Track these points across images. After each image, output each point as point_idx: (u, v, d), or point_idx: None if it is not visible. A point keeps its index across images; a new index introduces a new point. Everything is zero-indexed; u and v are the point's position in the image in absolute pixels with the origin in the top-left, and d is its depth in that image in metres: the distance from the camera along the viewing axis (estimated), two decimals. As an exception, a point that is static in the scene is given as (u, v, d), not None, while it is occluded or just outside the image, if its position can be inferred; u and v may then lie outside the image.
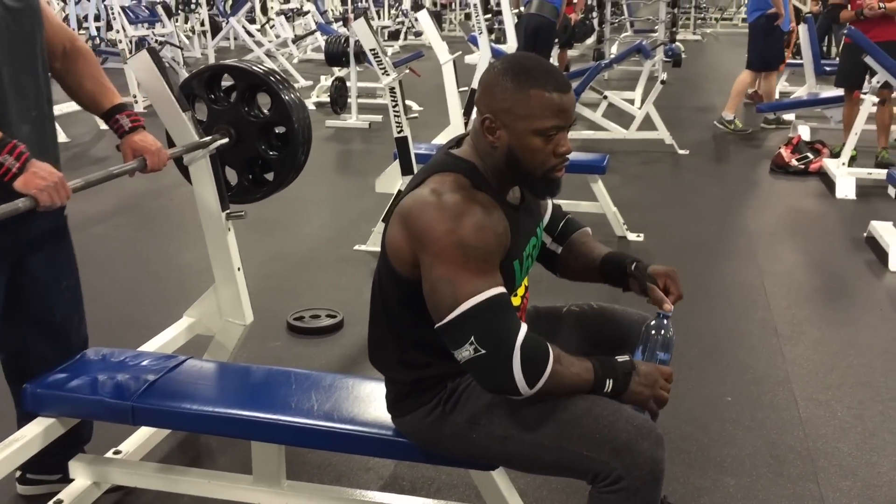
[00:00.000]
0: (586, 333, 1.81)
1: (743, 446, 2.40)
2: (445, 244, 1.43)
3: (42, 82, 1.90)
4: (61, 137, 6.76)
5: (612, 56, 9.38)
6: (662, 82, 6.18)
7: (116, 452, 2.13)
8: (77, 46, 2.05)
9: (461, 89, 5.39)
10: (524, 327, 1.45)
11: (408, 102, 8.03)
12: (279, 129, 2.42)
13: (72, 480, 2.02)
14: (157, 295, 3.63)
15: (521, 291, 1.69)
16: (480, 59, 6.20)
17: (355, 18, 6.20)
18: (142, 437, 2.19)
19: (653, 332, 1.64)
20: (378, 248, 4.21)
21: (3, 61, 1.77)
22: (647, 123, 6.47)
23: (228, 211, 2.36)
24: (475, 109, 1.58)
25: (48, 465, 2.09)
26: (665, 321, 1.65)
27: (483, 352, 1.42)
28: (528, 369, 1.42)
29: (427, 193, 1.48)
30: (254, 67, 2.40)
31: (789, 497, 2.19)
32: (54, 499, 1.95)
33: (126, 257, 4.20)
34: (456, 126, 5.23)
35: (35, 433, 1.85)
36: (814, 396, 2.71)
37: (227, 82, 2.40)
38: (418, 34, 15.63)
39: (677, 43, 9.51)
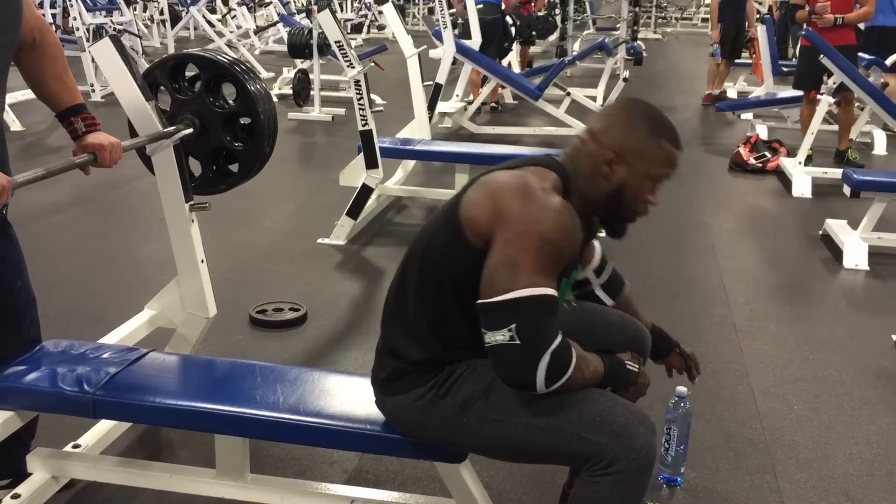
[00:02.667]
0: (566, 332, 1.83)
1: (703, 439, 2.44)
2: (529, 230, 1.45)
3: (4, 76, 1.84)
4: (15, 126, 6.62)
5: (575, 53, 9.46)
6: (625, 80, 6.25)
7: (76, 446, 2.10)
8: (47, 40, 1.96)
9: (426, 83, 5.39)
10: (561, 334, 1.47)
11: (372, 96, 8.01)
12: (244, 121, 2.40)
13: (29, 475, 1.99)
14: (116, 287, 3.57)
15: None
16: (444, 53, 6.21)
17: (319, 10, 6.17)
18: (101, 430, 2.16)
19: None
20: (341, 242, 4.19)
21: None
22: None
23: (192, 202, 2.33)
24: (589, 135, 1.61)
25: None
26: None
27: (518, 343, 1.43)
28: (552, 372, 1.45)
29: (526, 178, 1.51)
30: (219, 57, 2.37)
31: (748, 489, 2.23)
32: (11, 492, 1.91)
33: (84, 249, 4.13)
34: (420, 120, 5.23)
35: (-9, 427, 1.81)
36: (771, 390, 2.77)
37: (191, 72, 2.38)
38: (381, 27, 15.58)
39: (639, 41, 9.62)
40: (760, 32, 7.40)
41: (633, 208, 1.61)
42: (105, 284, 3.62)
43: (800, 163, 5.46)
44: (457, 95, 7.18)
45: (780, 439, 2.47)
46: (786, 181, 5.50)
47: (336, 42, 3.95)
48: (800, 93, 6.01)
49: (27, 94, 7.60)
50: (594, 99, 7.51)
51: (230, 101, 2.38)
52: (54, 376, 1.85)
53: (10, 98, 6.90)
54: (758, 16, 8.67)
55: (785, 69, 7.81)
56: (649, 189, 1.59)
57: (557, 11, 11.62)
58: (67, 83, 2.02)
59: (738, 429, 2.52)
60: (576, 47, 11.50)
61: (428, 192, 4.70)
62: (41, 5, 11.38)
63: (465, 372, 1.60)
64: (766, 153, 5.88)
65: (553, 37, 11.93)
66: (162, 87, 2.37)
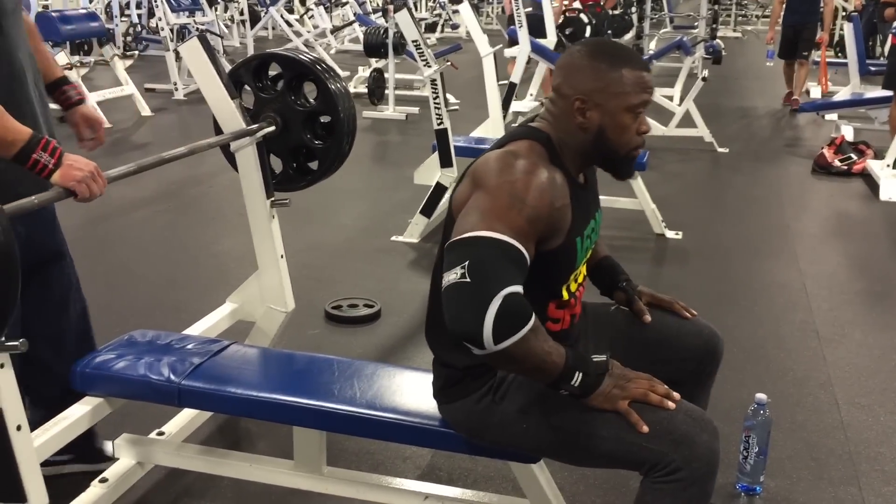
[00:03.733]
0: (629, 333, 1.80)
1: (783, 448, 2.37)
2: (500, 187, 1.43)
3: (35, 64, 1.90)
4: (105, 124, 6.87)
5: (652, 52, 9.31)
6: (703, 79, 6.11)
7: (160, 434, 2.16)
8: (27, 19, 1.99)
9: (501, 83, 5.38)
10: (519, 288, 1.38)
11: (446, 95, 8.04)
12: (324, 119, 2.44)
13: (83, 457, 2.09)
14: (197, 280, 3.67)
15: (579, 278, 1.68)
16: (520, 52, 6.18)
17: (396, 10, 6.22)
18: (185, 418, 2.22)
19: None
20: (414, 240, 4.22)
21: (18, 44, 1.79)
22: (687, 120, 6.41)
23: (273, 199, 2.38)
24: (554, 93, 1.57)
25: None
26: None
27: (467, 280, 1.36)
28: (501, 322, 1.34)
29: (501, 152, 1.51)
30: (301, 56, 2.42)
31: (830, 501, 2.16)
32: (100, 476, 1.99)
33: (166, 242, 4.26)
34: (495, 119, 5.23)
35: (83, 412, 1.88)
36: (856, 400, 2.67)
37: (274, 71, 2.43)
38: (455, 27, 15.61)
39: (718, 40, 9.40)
40: (847, 30, 7.16)
41: (624, 145, 1.54)
42: (187, 278, 3.73)
43: (888, 165, 5.26)
44: (531, 94, 7.15)
45: (864, 451, 2.38)
46: (873, 184, 5.31)
47: (413, 41, 3.97)
48: (888, 93, 5.79)
49: (114, 93, 7.90)
50: (671, 98, 7.38)
51: (311, 100, 2.42)
52: (142, 365, 1.91)
53: (98, 96, 7.21)
54: (844, 13, 8.38)
55: (873, 69, 7.54)
56: (631, 120, 1.52)
57: (634, 9, 11.46)
58: (50, 57, 2.10)
59: (820, 438, 2.44)
60: (652, 46, 11.32)
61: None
62: (128, 6, 11.78)
63: (513, 378, 1.59)
64: (852, 155, 5.68)
65: (629, 35, 11.77)
66: (246, 86, 2.43)
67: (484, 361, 1.46)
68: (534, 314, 1.40)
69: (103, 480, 1.98)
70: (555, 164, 1.51)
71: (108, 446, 2.12)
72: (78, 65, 7.25)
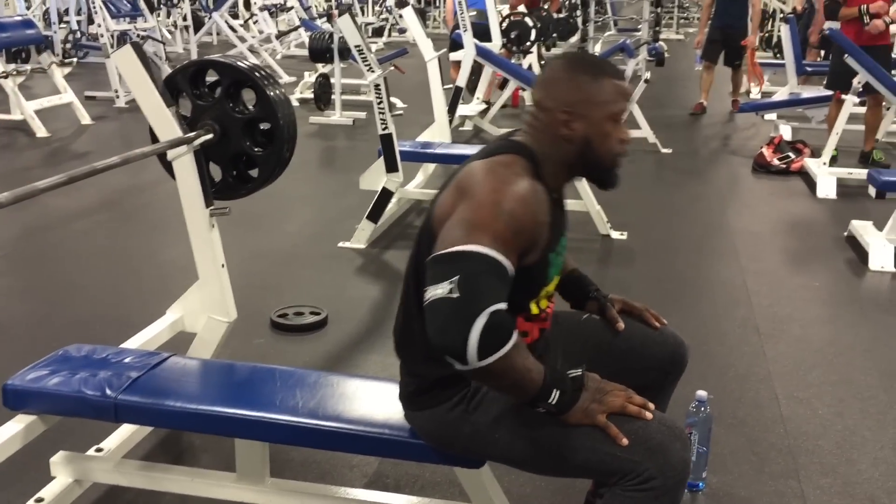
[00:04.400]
0: (597, 342, 1.81)
1: (725, 444, 2.41)
2: (487, 200, 1.43)
3: None
4: (41, 133, 6.71)
5: (596, 54, 9.41)
6: (646, 81, 6.20)
7: (98, 450, 2.11)
8: None
9: (446, 87, 5.39)
10: (504, 305, 1.39)
11: (392, 100, 8.01)
12: (264, 126, 2.41)
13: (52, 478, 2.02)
14: (138, 292, 3.60)
15: (550, 288, 1.67)
16: (465, 56, 6.20)
17: (340, 15, 6.19)
18: (123, 434, 2.17)
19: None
20: (361, 245, 4.19)
21: None
22: (630, 122, 6.49)
23: (212, 207, 2.34)
24: (535, 107, 1.59)
25: None
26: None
27: (456, 296, 1.36)
28: (486, 338, 1.35)
29: (488, 163, 1.50)
30: (238, 63, 2.39)
31: (771, 494, 2.20)
32: (35, 496, 1.94)
33: (107, 253, 4.17)
34: (441, 124, 5.23)
35: (16, 430, 1.84)
36: (795, 394, 2.73)
37: (211, 78, 2.39)
38: (402, 31, 15.60)
39: (661, 42, 9.55)
40: (784, 32, 7.33)
41: (608, 153, 1.56)
42: (128, 289, 3.65)
43: (824, 163, 5.40)
44: (477, 98, 7.18)
45: (804, 444, 2.44)
46: (810, 182, 5.44)
47: (356, 46, 3.96)
48: (827, 92, 5.94)
49: (52, 101, 7.76)
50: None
51: (250, 107, 2.39)
52: (76, 380, 1.87)
53: (36, 104, 7.03)
54: (781, 14, 8.55)
55: (809, 69, 7.73)
56: (614, 128, 1.55)
57: (578, 13, 11.59)
58: None
59: (761, 433, 2.49)
60: (597, 49, 11.46)
61: (448, 195, 4.69)
62: (66, 12, 11.52)
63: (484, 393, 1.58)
64: (790, 154, 5.81)
65: (574, 38, 11.90)
66: (183, 93, 2.39)
67: (455, 372, 1.45)
68: (515, 334, 1.41)
69: (39, 500, 1.92)
70: (538, 178, 1.51)
71: None
72: (14, 73, 7.06)
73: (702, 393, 2.19)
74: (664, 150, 6.40)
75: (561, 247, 1.64)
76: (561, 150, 1.55)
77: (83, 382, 1.86)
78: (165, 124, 2.22)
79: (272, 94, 2.36)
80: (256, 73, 2.37)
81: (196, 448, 2.35)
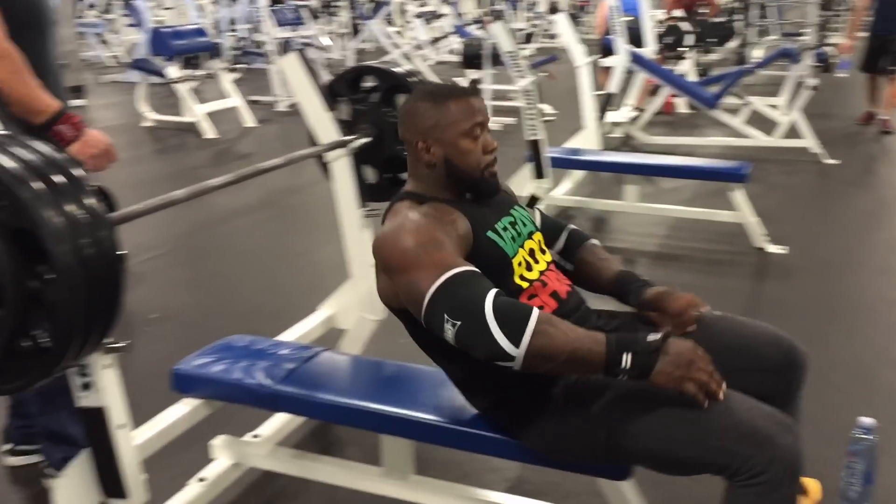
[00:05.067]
0: (699, 339, 1.71)
1: (889, 474, 2.24)
2: (398, 256, 1.53)
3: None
4: (209, 134, 7.16)
5: (756, 60, 9.03)
6: (814, 88, 5.88)
7: (254, 436, 2.22)
8: None
9: (597, 93, 5.32)
10: (493, 290, 1.45)
11: (541, 106, 7.99)
12: (418, 130, 2.46)
13: None
14: (293, 287, 3.76)
15: (533, 265, 1.69)
16: (618, 62, 6.10)
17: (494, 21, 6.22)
18: (277, 423, 2.27)
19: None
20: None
21: (51, 49, 2.01)
22: (792, 131, 6.19)
23: (365, 208, 2.42)
24: (405, 144, 1.73)
25: (37, 436, 2.26)
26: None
27: (460, 323, 1.43)
28: (507, 326, 1.41)
29: (382, 232, 1.61)
30: (395, 69, 2.46)
31: (943, 534, 2.03)
32: (198, 475, 2.06)
33: (265, 250, 4.39)
34: (590, 130, 5.17)
35: (183, 413, 1.96)
36: (974, 428, 2.50)
37: (368, 83, 2.47)
38: (552, 37, 15.54)
39: (828, 47, 9.04)
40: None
41: (474, 166, 1.66)
42: (284, 284, 3.83)
43: None
44: (627, 105, 7.04)
45: (983, 483, 2.23)
46: None
47: (508, 52, 3.97)
48: None
49: (220, 105, 8.20)
50: (776, 108, 7.13)
51: (405, 111, 2.44)
52: (239, 369, 1.98)
53: (206, 108, 7.50)
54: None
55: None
56: (472, 143, 1.64)
57: (738, 17, 11.14)
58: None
59: (933, 468, 2.30)
60: (758, 53, 10.98)
61: (596, 202, 4.63)
62: (234, 21, 12.22)
63: (585, 385, 1.57)
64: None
65: (732, 43, 11.45)
66: (342, 98, 2.48)
67: (526, 385, 1.54)
68: (535, 308, 1.45)
69: (201, 480, 2.05)
70: (426, 202, 1.64)
71: None
72: (188, 78, 7.56)
73: (867, 420, 2.05)
74: (828, 161, 6.04)
75: (506, 223, 1.69)
76: (433, 174, 1.67)
77: (245, 371, 1.96)
78: (325, 127, 2.31)
79: (427, 98, 2.40)
80: (412, 79, 2.43)
81: (343, 440, 2.42)
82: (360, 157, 2.43)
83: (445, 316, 1.45)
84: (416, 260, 1.50)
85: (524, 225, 1.74)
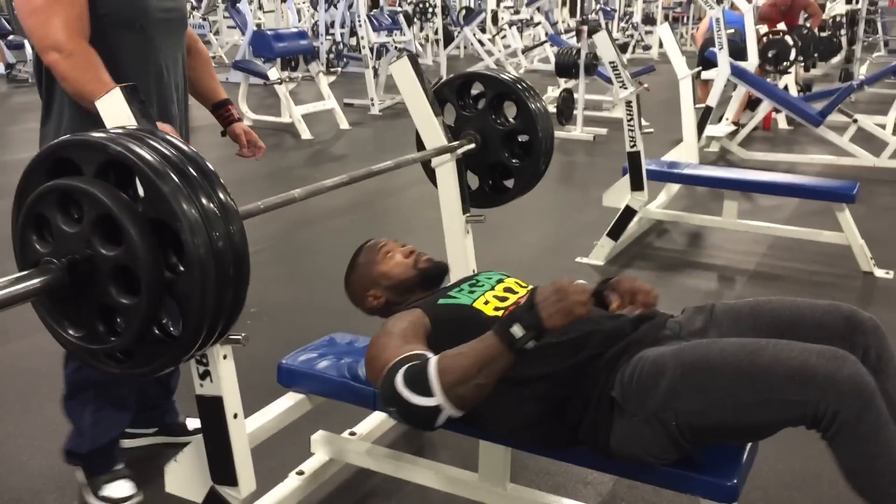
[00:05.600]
0: (751, 319, 1.73)
1: None
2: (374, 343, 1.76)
3: (182, 73, 2.16)
4: (305, 135, 7.32)
5: (863, 77, 8.71)
6: (923, 107, 5.64)
7: (352, 433, 2.26)
8: (199, 48, 2.32)
9: (697, 106, 5.22)
10: (400, 369, 1.54)
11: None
12: (522, 138, 2.47)
13: (167, 430, 2.42)
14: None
15: (515, 296, 1.85)
16: (718, 75, 5.98)
17: (592, 32, 6.20)
18: (374, 421, 2.31)
19: None
20: (599, 262, 4.15)
21: (163, 51, 2.05)
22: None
23: (468, 214, 2.44)
24: (364, 307, 2.06)
25: (146, 419, 2.40)
26: None
27: (393, 409, 1.56)
28: (417, 386, 1.50)
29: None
30: (503, 76, 2.47)
31: None
32: (297, 469, 2.11)
33: (359, 251, 4.45)
34: (689, 144, 5.08)
35: (287, 406, 2.01)
36: None
37: (476, 90, 2.49)
38: (647, 48, 15.34)
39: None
40: None
41: (405, 278, 1.99)
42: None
43: None
44: (726, 119, 6.89)
45: None
46: None
47: (611, 62, 3.94)
48: None
49: (317, 107, 8.38)
50: (883, 127, 6.86)
51: (510, 119, 2.46)
52: (343, 366, 2.02)
53: (303, 109, 7.67)
54: None
55: None
56: (392, 266, 2.00)
57: (844, 32, 10.79)
58: (217, 80, 2.40)
59: None
60: (863, 70, 10.60)
61: (691, 217, 4.54)
62: (332, 25, 12.47)
63: (635, 380, 1.57)
64: None
65: (837, 58, 11.09)
66: (448, 104, 2.50)
67: (568, 393, 1.64)
68: (428, 357, 1.55)
69: (300, 473, 2.10)
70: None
71: (189, 422, 2.45)
72: (287, 80, 7.75)
73: None
74: (941, 184, 5.78)
75: (455, 291, 1.88)
76: (390, 304, 1.99)
77: (348, 369, 2.00)
78: (433, 132, 2.34)
79: (533, 106, 2.41)
80: (519, 86, 2.43)
81: (436, 443, 2.44)
82: (465, 164, 2.45)
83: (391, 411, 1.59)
84: (387, 341, 1.70)
85: (488, 279, 1.94)
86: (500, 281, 1.93)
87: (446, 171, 2.39)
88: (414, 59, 2.38)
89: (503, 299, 1.84)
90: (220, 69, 11.96)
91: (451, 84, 2.50)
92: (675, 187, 4.86)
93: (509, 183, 2.54)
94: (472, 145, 2.43)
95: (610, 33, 4.21)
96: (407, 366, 1.54)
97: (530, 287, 1.92)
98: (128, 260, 1.26)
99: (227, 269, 1.31)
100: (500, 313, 1.77)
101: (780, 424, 1.51)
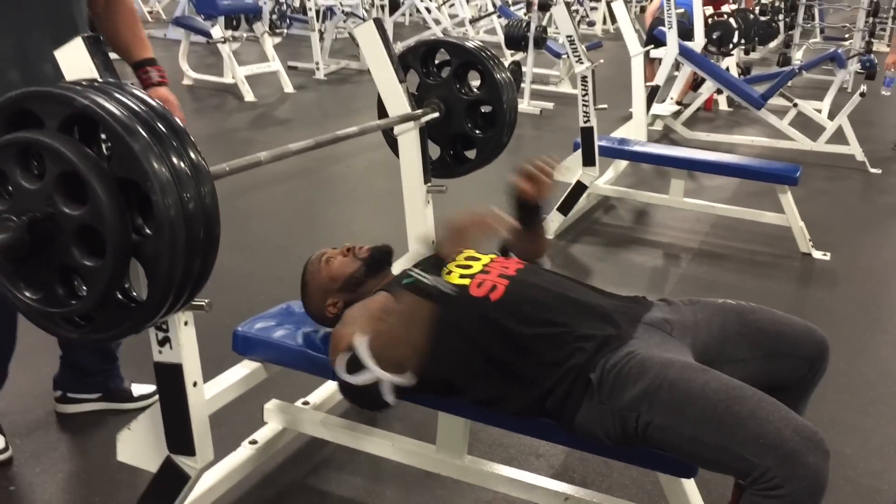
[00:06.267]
0: (738, 321, 1.78)
1: (940, 493, 2.23)
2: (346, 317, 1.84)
3: (72, 24, 1.93)
4: (248, 97, 7.14)
5: (801, 62, 8.92)
6: (862, 94, 5.80)
7: (305, 403, 2.22)
8: None
9: (647, 84, 5.26)
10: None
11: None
12: (486, 109, 2.44)
13: (111, 396, 2.36)
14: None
15: (477, 263, 1.85)
16: (667, 54, 6.03)
17: (540, 5, 6.17)
18: (327, 391, 2.28)
19: None
20: (549, 236, 4.14)
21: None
22: (836, 137, 6.11)
23: (430, 184, 2.40)
24: (325, 316, 1.97)
25: (89, 385, 2.34)
26: None
27: (349, 397, 1.68)
28: (353, 366, 1.60)
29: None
30: (469, 44, 2.43)
31: None
32: (249, 438, 2.07)
33: (306, 217, 4.38)
34: (639, 121, 5.12)
35: (242, 375, 1.96)
36: None
37: (440, 58, 2.45)
38: (591, 24, 15.39)
39: (872, 54, 8.91)
40: None
41: (350, 266, 1.97)
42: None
43: None
44: (670, 98, 6.97)
45: None
46: None
47: (568, 36, 3.93)
48: None
49: (261, 68, 8.15)
50: (820, 111, 7.04)
51: (475, 89, 2.43)
52: (300, 335, 1.97)
53: (246, 70, 7.47)
54: None
55: None
56: (332, 263, 1.98)
57: (781, 17, 11.00)
58: (141, 36, 2.14)
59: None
60: (799, 56, 10.85)
61: (638, 194, 4.59)
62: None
63: (622, 373, 1.58)
64: None
65: (774, 42, 11.31)
66: (412, 71, 2.45)
67: (551, 379, 1.64)
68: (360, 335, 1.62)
69: (253, 442, 2.06)
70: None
71: (134, 388, 2.39)
72: (231, 39, 7.53)
73: None
74: (873, 170, 5.96)
75: (413, 272, 1.75)
76: (348, 304, 1.89)
77: (306, 338, 1.96)
78: (397, 100, 2.29)
79: (499, 77, 2.38)
80: (484, 55, 2.40)
81: (389, 415, 2.42)
82: (427, 133, 2.41)
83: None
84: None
85: (422, 271, 1.91)
86: (459, 252, 1.91)
87: (409, 140, 2.35)
88: (380, 23, 2.32)
89: (467, 267, 1.83)
90: (159, 25, 11.58)
91: (416, 51, 2.45)
92: (622, 164, 4.91)
93: (471, 154, 2.52)
94: (436, 114, 2.39)
95: (570, 7, 4.19)
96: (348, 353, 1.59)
97: (491, 256, 1.91)
98: (93, 220, 1.20)
99: (197, 233, 1.26)
100: (466, 281, 1.76)
101: (723, 469, 1.53)
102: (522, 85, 7.68)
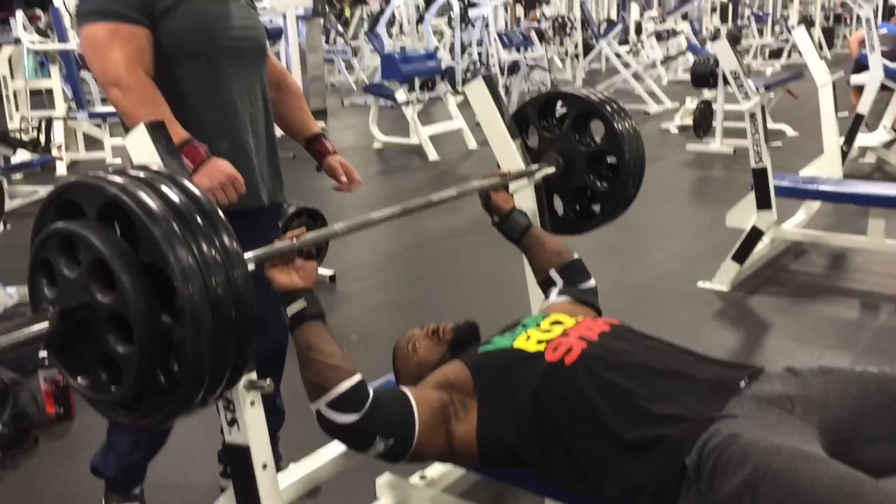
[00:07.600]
0: (876, 396, 1.48)
1: None
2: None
3: (263, 103, 2.09)
4: (432, 156, 7.31)
5: None
6: None
7: (421, 477, 2.14)
8: (288, 82, 2.28)
9: (840, 114, 4.77)
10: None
11: (781, 127, 7.41)
12: (610, 160, 2.29)
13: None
14: (493, 316, 3.66)
15: (558, 327, 1.71)
16: (870, 79, 5.46)
17: (732, 40, 5.82)
18: (445, 466, 2.18)
19: None
20: (723, 288, 3.84)
21: (234, 81, 1.99)
22: None
23: (551, 241, 2.27)
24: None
25: None
26: None
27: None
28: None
29: None
30: (587, 94, 2.30)
31: None
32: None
33: (469, 274, 4.35)
34: (831, 156, 4.65)
35: (334, 454, 1.91)
36: None
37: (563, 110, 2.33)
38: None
39: None
40: None
41: (437, 357, 1.86)
42: (483, 311, 3.74)
43: None
44: (884, 126, 6.29)
45: None
46: None
47: (731, 72, 3.64)
48: None
49: (445, 127, 8.40)
50: None
51: (596, 140, 2.28)
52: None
53: (430, 130, 7.68)
54: None
55: None
56: (422, 351, 1.91)
57: None
58: (310, 115, 2.32)
59: None
60: None
61: (834, 237, 4.12)
62: (470, 44, 12.51)
63: (720, 460, 1.34)
64: None
65: None
66: (532, 125, 2.36)
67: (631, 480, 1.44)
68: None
69: (359, 519, 1.99)
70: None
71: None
72: (415, 101, 7.79)
73: None
74: None
75: (496, 338, 1.78)
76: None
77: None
78: (510, 156, 2.21)
79: (620, 127, 2.23)
80: (606, 106, 2.25)
81: (506, 495, 2.27)
82: (548, 188, 2.30)
83: None
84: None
85: (533, 319, 1.82)
86: (545, 317, 1.77)
87: (524, 197, 2.25)
88: (490, 80, 2.26)
89: (547, 331, 1.70)
90: (358, 93, 12.28)
91: (534, 104, 2.36)
92: (815, 204, 4.45)
93: (597, 208, 2.36)
94: (552, 169, 2.27)
95: (738, 40, 3.90)
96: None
97: (579, 318, 1.76)
98: (120, 306, 1.21)
99: (227, 317, 1.23)
100: (542, 346, 1.63)
101: None
102: (714, 123, 7.28)
